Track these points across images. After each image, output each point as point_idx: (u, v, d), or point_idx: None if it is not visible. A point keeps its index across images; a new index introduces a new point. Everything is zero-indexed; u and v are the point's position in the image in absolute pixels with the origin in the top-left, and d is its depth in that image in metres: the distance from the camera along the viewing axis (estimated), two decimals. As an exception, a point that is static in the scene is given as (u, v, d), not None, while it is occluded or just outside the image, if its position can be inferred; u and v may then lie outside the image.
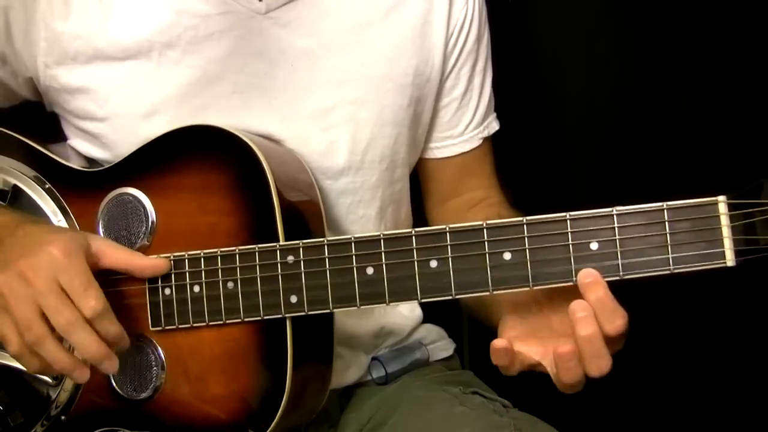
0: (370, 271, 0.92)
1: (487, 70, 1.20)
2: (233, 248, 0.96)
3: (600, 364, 0.85)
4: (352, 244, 0.93)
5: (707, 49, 1.52)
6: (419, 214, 1.25)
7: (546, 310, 0.93)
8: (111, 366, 0.94)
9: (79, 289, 0.91)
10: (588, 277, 0.85)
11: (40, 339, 0.91)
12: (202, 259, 0.98)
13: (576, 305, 0.85)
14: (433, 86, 1.15)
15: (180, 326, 0.99)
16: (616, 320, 0.84)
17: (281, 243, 0.95)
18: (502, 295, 0.94)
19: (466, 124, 1.19)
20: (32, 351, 0.92)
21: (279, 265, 0.95)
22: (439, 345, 1.27)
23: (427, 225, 1.17)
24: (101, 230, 1.03)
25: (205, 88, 1.06)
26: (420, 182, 1.24)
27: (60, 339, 0.92)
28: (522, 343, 0.90)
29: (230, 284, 0.97)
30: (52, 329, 0.91)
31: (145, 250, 1.00)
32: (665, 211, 0.85)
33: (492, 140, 1.22)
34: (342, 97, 1.09)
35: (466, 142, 1.19)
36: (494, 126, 1.22)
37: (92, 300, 0.91)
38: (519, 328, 0.93)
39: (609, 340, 0.85)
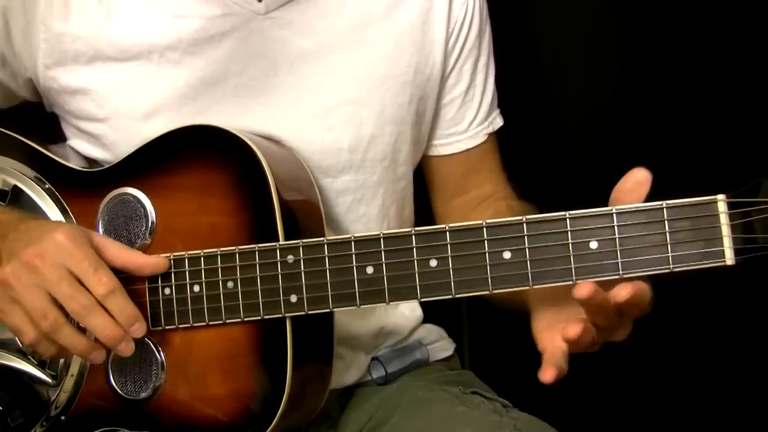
0: (369, 270, 0.92)
1: (490, 67, 1.20)
2: (233, 248, 0.96)
3: (617, 335, 0.86)
4: (352, 243, 0.93)
5: (707, 49, 1.52)
6: (420, 215, 1.25)
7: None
8: (127, 348, 0.95)
9: (89, 270, 0.92)
10: (583, 289, 0.83)
11: (56, 327, 0.92)
12: (202, 259, 0.98)
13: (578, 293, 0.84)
14: (434, 84, 1.15)
15: (180, 326, 0.99)
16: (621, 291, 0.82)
17: (281, 242, 0.96)
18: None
19: (470, 121, 1.19)
20: (49, 339, 0.93)
21: (279, 264, 0.95)
22: (439, 345, 1.27)
23: (428, 224, 1.17)
24: (101, 230, 1.03)
25: (205, 90, 1.06)
26: (426, 180, 1.24)
27: (74, 323, 0.94)
28: (550, 332, 0.90)
29: (230, 284, 0.97)
30: (66, 315, 0.93)
31: (145, 250, 1.01)
32: (664, 209, 0.84)
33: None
34: (343, 96, 1.09)
35: (470, 138, 1.19)
36: (498, 122, 1.22)
37: (104, 277, 0.93)
38: (549, 317, 0.92)
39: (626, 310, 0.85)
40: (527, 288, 0.89)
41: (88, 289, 0.93)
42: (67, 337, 0.93)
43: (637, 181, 0.86)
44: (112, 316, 0.94)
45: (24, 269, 0.92)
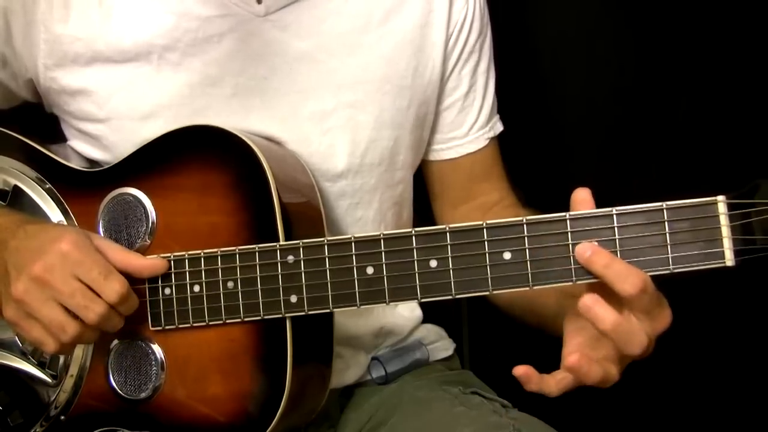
0: (370, 270, 0.92)
1: (490, 72, 1.19)
2: (233, 248, 0.96)
3: (637, 342, 0.85)
4: (353, 243, 0.93)
5: (707, 49, 1.52)
6: (421, 216, 1.25)
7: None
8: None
9: (99, 279, 0.93)
10: (586, 251, 0.85)
11: (77, 336, 0.94)
12: (202, 259, 0.98)
13: (583, 303, 0.84)
14: (434, 87, 1.14)
15: (180, 326, 0.99)
16: (631, 279, 0.83)
17: (281, 243, 0.96)
18: (565, 306, 0.93)
19: (470, 125, 1.18)
20: (71, 345, 0.96)
21: (279, 264, 0.95)
22: (439, 345, 1.27)
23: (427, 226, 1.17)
24: (101, 230, 1.03)
25: (204, 91, 1.06)
26: (428, 187, 1.23)
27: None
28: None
29: (230, 284, 0.97)
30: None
31: (145, 250, 1.01)
32: (664, 210, 0.85)
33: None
34: (341, 99, 1.09)
35: (471, 142, 1.19)
36: (499, 127, 1.22)
37: (116, 284, 0.94)
38: (581, 337, 0.90)
39: (637, 307, 0.84)
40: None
41: (99, 295, 0.94)
42: (88, 340, 0.97)
43: (579, 202, 0.87)
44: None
45: (35, 285, 0.93)
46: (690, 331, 1.50)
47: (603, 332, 0.84)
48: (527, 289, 0.88)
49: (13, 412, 1.06)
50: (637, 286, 0.83)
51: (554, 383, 0.88)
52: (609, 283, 0.84)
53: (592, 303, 0.83)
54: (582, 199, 0.88)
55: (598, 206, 0.88)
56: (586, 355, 0.85)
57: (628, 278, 0.83)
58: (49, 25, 1.07)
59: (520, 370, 0.86)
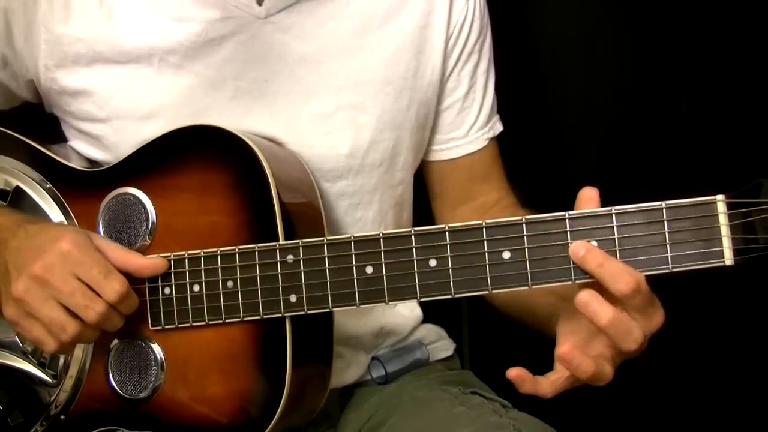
0: (369, 270, 0.92)
1: (490, 72, 1.20)
2: (233, 247, 0.97)
3: (633, 337, 0.84)
4: (352, 243, 0.93)
5: (707, 49, 1.52)
6: (421, 216, 1.25)
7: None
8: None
9: (99, 278, 0.93)
10: (580, 250, 0.85)
11: (77, 335, 0.94)
12: (202, 259, 0.98)
13: (580, 298, 0.84)
14: (434, 88, 1.14)
15: (180, 325, 0.99)
16: (624, 278, 0.83)
17: (281, 242, 0.96)
18: (558, 308, 0.93)
19: (470, 125, 1.18)
20: (72, 344, 0.96)
21: (279, 264, 0.95)
22: (439, 345, 1.27)
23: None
24: (101, 230, 1.03)
25: (205, 93, 1.06)
26: (428, 187, 1.23)
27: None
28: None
29: (230, 283, 0.97)
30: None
31: (145, 250, 1.01)
32: (664, 210, 0.85)
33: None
34: (342, 101, 1.09)
35: (470, 143, 1.19)
36: (498, 127, 1.22)
37: (116, 284, 0.94)
38: (575, 338, 0.90)
39: (631, 305, 0.84)
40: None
41: (99, 294, 0.94)
42: (88, 339, 0.97)
43: (585, 200, 0.88)
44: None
45: (35, 284, 0.93)
46: (690, 330, 1.50)
47: (600, 328, 0.84)
48: (526, 288, 0.88)
49: (14, 412, 1.06)
50: (631, 286, 0.83)
51: (548, 384, 0.88)
52: (602, 282, 0.84)
53: (589, 298, 0.84)
54: (589, 198, 0.88)
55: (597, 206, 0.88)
56: (578, 347, 0.86)
57: (621, 277, 0.83)
58: (49, 25, 1.07)
59: (513, 373, 0.87)
